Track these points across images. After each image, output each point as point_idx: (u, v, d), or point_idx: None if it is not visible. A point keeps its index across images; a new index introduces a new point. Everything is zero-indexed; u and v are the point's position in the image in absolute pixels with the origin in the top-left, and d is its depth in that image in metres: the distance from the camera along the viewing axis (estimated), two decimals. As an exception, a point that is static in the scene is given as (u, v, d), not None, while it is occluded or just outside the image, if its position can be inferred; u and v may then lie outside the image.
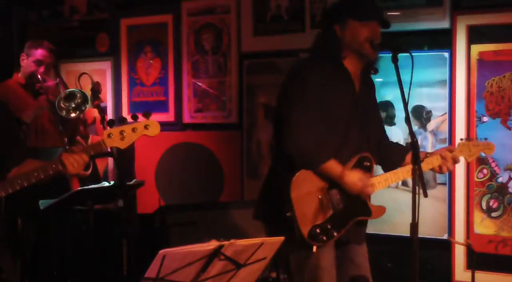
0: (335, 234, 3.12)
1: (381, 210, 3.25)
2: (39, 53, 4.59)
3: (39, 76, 4.55)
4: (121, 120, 2.92)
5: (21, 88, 4.60)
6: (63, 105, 4.43)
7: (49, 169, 2.84)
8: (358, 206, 3.18)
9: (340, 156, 3.15)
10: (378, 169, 3.31)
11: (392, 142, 3.51)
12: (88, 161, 2.90)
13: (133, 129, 2.87)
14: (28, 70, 4.60)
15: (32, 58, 4.59)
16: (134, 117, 2.90)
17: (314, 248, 3.08)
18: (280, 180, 3.14)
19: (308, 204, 3.10)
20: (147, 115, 2.90)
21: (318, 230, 3.09)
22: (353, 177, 3.10)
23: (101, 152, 2.93)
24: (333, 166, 3.10)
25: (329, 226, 3.11)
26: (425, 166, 3.17)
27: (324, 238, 3.10)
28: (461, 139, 3.42)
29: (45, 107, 4.50)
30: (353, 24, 3.14)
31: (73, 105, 4.46)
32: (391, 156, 3.34)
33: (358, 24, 3.13)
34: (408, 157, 3.21)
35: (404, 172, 3.19)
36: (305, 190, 3.10)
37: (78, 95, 4.47)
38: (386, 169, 3.31)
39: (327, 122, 3.15)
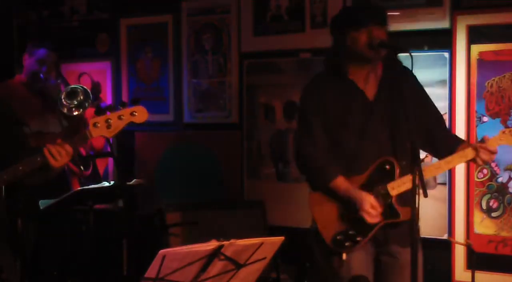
0: (359, 239, 3.14)
1: (409, 211, 3.15)
2: (41, 53, 4.58)
3: (42, 76, 4.54)
4: (109, 108, 2.87)
5: (23, 88, 4.60)
6: (65, 103, 4.42)
7: (32, 162, 2.79)
8: (383, 209, 3.17)
9: (355, 165, 3.19)
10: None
11: (447, 132, 3.43)
12: (74, 152, 2.83)
13: (119, 117, 2.79)
14: (31, 70, 4.59)
15: (35, 57, 4.58)
16: (123, 105, 2.85)
17: (344, 256, 3.12)
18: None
19: (328, 214, 3.20)
20: (135, 102, 2.85)
21: (339, 237, 3.15)
22: (363, 198, 3.13)
23: (86, 142, 2.87)
24: (340, 183, 3.17)
25: (351, 232, 3.15)
26: (457, 159, 3.17)
27: (348, 244, 3.14)
28: (502, 131, 3.27)
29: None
30: (351, 34, 3.18)
31: (75, 103, 4.44)
32: (443, 145, 3.29)
33: (355, 33, 3.16)
34: (462, 146, 3.20)
35: (457, 158, 3.16)
36: (324, 201, 3.22)
37: (80, 92, 4.46)
38: (440, 158, 3.28)
39: (336, 133, 3.22)
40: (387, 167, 3.18)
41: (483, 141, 3.19)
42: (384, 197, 3.15)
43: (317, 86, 3.32)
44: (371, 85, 3.27)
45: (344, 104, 3.23)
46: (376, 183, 3.17)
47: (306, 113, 3.29)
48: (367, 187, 3.16)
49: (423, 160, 3.12)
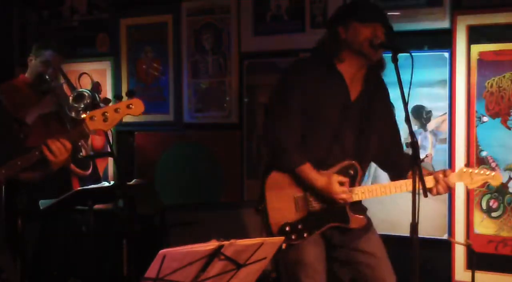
0: (305, 235, 3.15)
1: (361, 220, 3.23)
2: (47, 54, 4.58)
3: (47, 77, 4.54)
4: (105, 102, 2.86)
5: (27, 88, 4.60)
6: (73, 107, 4.42)
7: (31, 157, 2.78)
8: (335, 212, 3.18)
9: (325, 162, 3.16)
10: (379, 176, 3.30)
11: (403, 152, 3.38)
12: (72, 147, 2.82)
13: (116, 110, 2.78)
14: (36, 70, 4.59)
15: (40, 59, 4.58)
16: (118, 98, 2.84)
17: (283, 246, 3.04)
18: (263, 174, 3.19)
19: (283, 201, 3.16)
20: (130, 94, 2.84)
21: (287, 228, 3.13)
22: (323, 182, 3.10)
23: (84, 136, 2.87)
24: (306, 170, 3.12)
25: (300, 226, 3.14)
26: (408, 186, 3.13)
27: (294, 236, 3.13)
28: (465, 165, 3.33)
29: (50, 108, 4.49)
30: (355, 26, 3.16)
31: (82, 106, 4.44)
32: (397, 166, 3.29)
33: (359, 25, 3.15)
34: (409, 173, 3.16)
35: (407, 184, 3.13)
36: (282, 186, 3.16)
37: (87, 96, 4.46)
38: (392, 178, 3.31)
39: (310, 126, 3.17)
40: (351, 171, 3.19)
41: (445, 174, 3.19)
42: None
43: (302, 71, 3.23)
44: (356, 85, 3.24)
45: (327, 97, 3.18)
46: None
47: (287, 96, 3.18)
48: None
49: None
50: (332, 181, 3.10)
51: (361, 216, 3.23)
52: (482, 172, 3.25)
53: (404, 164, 3.16)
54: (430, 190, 3.17)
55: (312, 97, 3.17)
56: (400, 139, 3.42)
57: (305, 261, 3.19)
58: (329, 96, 3.19)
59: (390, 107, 3.40)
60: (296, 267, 3.20)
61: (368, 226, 3.28)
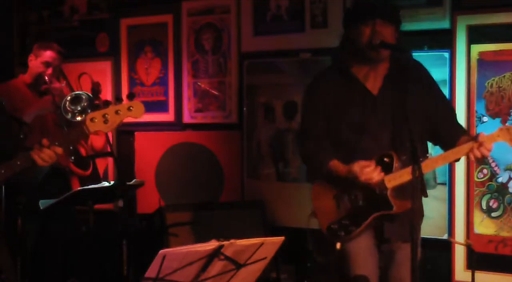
0: (353, 229, 3.19)
1: (406, 204, 3.12)
2: (48, 54, 4.58)
3: (46, 78, 4.54)
4: (105, 104, 2.85)
5: (26, 89, 4.60)
6: (68, 108, 4.41)
7: (15, 165, 2.77)
8: (378, 201, 3.19)
9: (357, 156, 3.19)
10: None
11: (452, 126, 3.35)
12: (67, 150, 2.82)
13: (116, 112, 2.78)
14: (36, 71, 4.59)
15: (41, 59, 4.58)
16: (118, 100, 2.84)
17: (338, 245, 3.22)
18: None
19: (326, 205, 3.27)
20: (131, 97, 2.83)
21: (335, 226, 3.22)
22: (346, 168, 3.17)
23: (83, 137, 2.87)
24: (336, 164, 3.21)
25: (346, 222, 3.21)
26: (452, 155, 3.16)
27: (342, 233, 3.21)
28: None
29: (48, 108, 4.49)
30: (355, 30, 3.20)
31: (79, 109, 4.43)
32: (445, 140, 3.31)
33: (362, 25, 3.17)
34: (461, 140, 3.19)
35: (452, 154, 3.16)
36: (323, 194, 3.29)
37: (84, 98, 4.45)
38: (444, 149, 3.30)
39: (335, 132, 3.28)
40: (386, 159, 3.19)
41: (476, 138, 3.15)
42: (380, 188, 3.16)
43: (319, 84, 3.37)
44: (375, 81, 3.28)
45: (346, 98, 3.26)
46: None
47: (309, 112, 3.36)
48: None
49: (423, 159, 3.11)
50: (354, 165, 3.14)
51: (405, 201, 3.15)
52: None
53: (451, 135, 3.23)
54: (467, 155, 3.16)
55: (333, 104, 3.28)
56: (449, 112, 3.38)
57: (356, 253, 3.24)
58: (348, 97, 3.27)
59: (429, 84, 3.35)
60: (347, 260, 3.26)
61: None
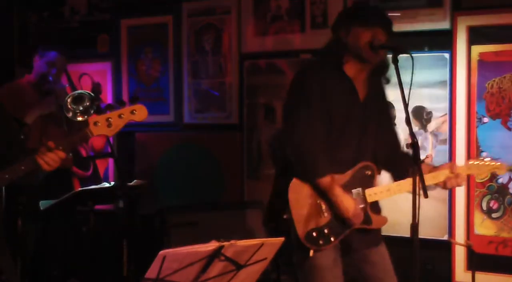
0: (332, 239, 3.13)
1: (382, 220, 3.25)
2: (52, 55, 4.60)
3: (50, 78, 4.55)
4: (109, 107, 2.85)
5: (31, 89, 4.62)
6: (70, 107, 4.41)
7: (32, 162, 2.79)
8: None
9: (340, 164, 3.15)
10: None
11: (403, 152, 3.38)
12: (68, 153, 2.83)
13: (120, 116, 2.78)
14: (40, 71, 4.61)
15: (45, 59, 4.60)
16: (121, 103, 2.84)
17: (311, 253, 3.09)
18: (283, 182, 3.15)
19: (307, 207, 3.12)
20: (134, 100, 2.83)
21: (314, 234, 3.11)
22: (348, 203, 3.10)
23: (87, 140, 2.86)
24: (327, 183, 3.09)
25: (326, 231, 3.12)
26: (430, 180, 3.14)
27: (321, 242, 3.11)
28: (470, 160, 3.34)
29: (50, 109, 4.49)
30: (356, 30, 3.15)
31: (81, 108, 4.43)
32: (400, 166, 3.27)
33: (360, 29, 3.14)
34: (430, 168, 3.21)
35: (408, 184, 3.10)
36: (305, 193, 3.12)
37: (87, 98, 4.45)
38: (395, 178, 3.30)
39: (329, 131, 3.15)
40: (368, 172, 3.19)
41: (452, 168, 3.19)
42: (361, 200, 3.16)
43: (320, 74, 3.20)
44: (362, 87, 3.24)
45: (346, 99, 3.19)
46: (355, 186, 3.17)
47: (309, 100, 3.13)
48: (347, 187, 3.14)
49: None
50: (349, 211, 3.09)
51: (382, 216, 3.25)
52: (487, 163, 3.25)
53: (405, 163, 3.15)
54: (444, 183, 3.19)
55: (331, 99, 3.15)
56: (399, 139, 3.42)
57: (324, 266, 3.16)
58: (343, 97, 3.19)
59: (386, 107, 3.39)
60: (315, 272, 3.18)
61: (380, 237, 3.31)
